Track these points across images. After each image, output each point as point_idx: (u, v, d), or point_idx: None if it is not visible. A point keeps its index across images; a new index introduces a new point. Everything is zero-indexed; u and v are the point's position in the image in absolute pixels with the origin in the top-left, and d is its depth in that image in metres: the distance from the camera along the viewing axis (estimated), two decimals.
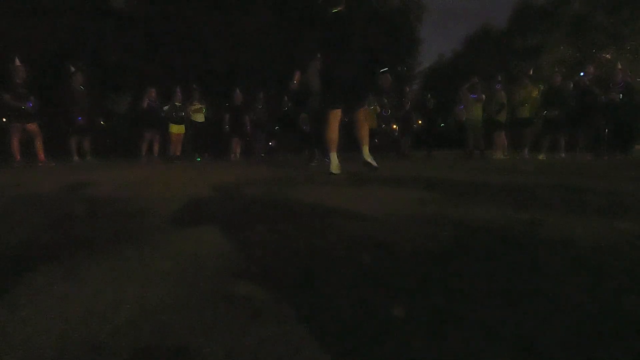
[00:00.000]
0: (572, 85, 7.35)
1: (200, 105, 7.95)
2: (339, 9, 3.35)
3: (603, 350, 0.51)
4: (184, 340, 0.55)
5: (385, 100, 9.81)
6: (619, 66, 7.07)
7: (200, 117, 8.00)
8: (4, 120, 5.60)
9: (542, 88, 7.57)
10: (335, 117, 3.45)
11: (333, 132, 3.45)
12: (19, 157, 5.63)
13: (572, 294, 0.69)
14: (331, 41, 3.34)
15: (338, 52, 3.35)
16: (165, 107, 7.44)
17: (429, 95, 10.29)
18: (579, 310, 0.62)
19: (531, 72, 8.14)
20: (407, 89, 9.97)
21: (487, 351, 0.51)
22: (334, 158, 3.36)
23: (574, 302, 0.65)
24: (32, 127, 5.68)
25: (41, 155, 5.79)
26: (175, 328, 0.58)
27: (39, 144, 5.77)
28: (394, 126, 9.56)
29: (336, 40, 3.32)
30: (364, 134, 3.59)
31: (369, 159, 3.49)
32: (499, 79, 7.99)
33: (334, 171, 3.24)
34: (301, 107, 6.32)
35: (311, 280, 0.78)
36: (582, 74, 7.60)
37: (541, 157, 6.95)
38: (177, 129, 7.58)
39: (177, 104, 7.54)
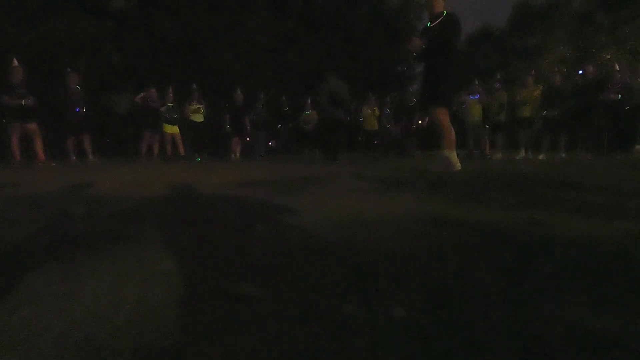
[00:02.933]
0: (571, 84, 7.34)
1: (198, 105, 7.95)
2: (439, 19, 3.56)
3: (604, 349, 0.51)
4: (184, 340, 0.55)
5: (388, 99, 9.80)
6: (617, 67, 7.05)
7: (198, 117, 8.01)
8: (4, 120, 5.60)
9: (542, 88, 7.54)
10: (446, 114, 3.59)
11: (450, 129, 3.60)
12: (18, 157, 5.63)
13: (573, 293, 0.69)
14: (434, 46, 3.53)
15: (441, 56, 3.54)
16: (163, 108, 7.46)
17: None
18: (579, 310, 0.62)
19: (533, 72, 8.11)
20: (410, 89, 9.96)
21: (488, 351, 0.50)
22: (453, 156, 3.49)
23: (575, 302, 0.65)
24: (32, 127, 5.68)
25: (41, 155, 5.78)
26: (175, 328, 0.58)
27: (38, 144, 5.77)
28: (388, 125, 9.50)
29: (438, 45, 3.51)
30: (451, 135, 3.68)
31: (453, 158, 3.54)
32: (499, 78, 7.97)
33: (457, 168, 3.40)
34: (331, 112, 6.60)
35: (311, 280, 0.78)
36: (580, 71, 7.58)
37: (541, 157, 6.94)
38: (170, 129, 7.61)
39: (169, 104, 7.57)
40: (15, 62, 5.63)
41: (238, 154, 8.44)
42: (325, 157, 6.64)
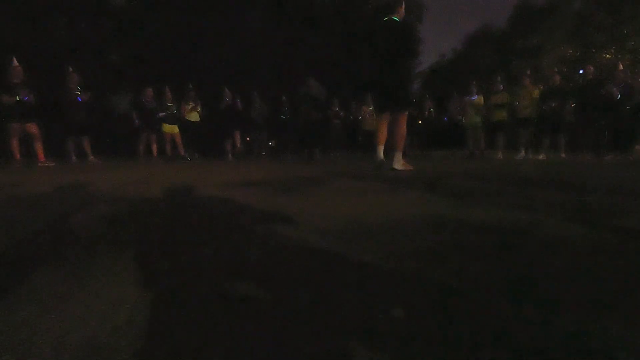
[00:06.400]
0: (571, 84, 7.36)
1: (194, 105, 7.97)
2: (389, 17, 3.63)
3: (604, 350, 0.51)
4: (184, 340, 0.55)
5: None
6: (621, 67, 7.06)
7: (194, 117, 8.02)
8: (3, 120, 5.60)
9: (541, 88, 7.55)
10: (385, 119, 3.76)
11: (380, 131, 3.78)
12: (18, 157, 5.63)
13: (573, 294, 0.69)
14: (383, 47, 3.60)
15: (389, 57, 3.61)
16: (161, 114, 7.47)
17: (427, 95, 10.30)
18: (579, 312, 0.62)
19: (529, 72, 8.14)
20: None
21: (488, 352, 0.51)
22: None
23: (575, 303, 0.65)
24: (32, 128, 5.68)
25: (41, 155, 5.79)
26: (175, 328, 0.58)
27: (38, 145, 5.77)
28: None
29: (388, 46, 3.58)
30: (401, 138, 3.81)
31: (399, 165, 3.71)
32: (499, 79, 7.99)
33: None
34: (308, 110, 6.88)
35: (311, 280, 0.78)
36: (581, 71, 7.60)
37: (541, 157, 6.95)
38: (169, 129, 7.62)
39: (168, 104, 7.58)
40: (15, 62, 5.63)
41: (237, 153, 8.43)
42: (307, 157, 6.81)
